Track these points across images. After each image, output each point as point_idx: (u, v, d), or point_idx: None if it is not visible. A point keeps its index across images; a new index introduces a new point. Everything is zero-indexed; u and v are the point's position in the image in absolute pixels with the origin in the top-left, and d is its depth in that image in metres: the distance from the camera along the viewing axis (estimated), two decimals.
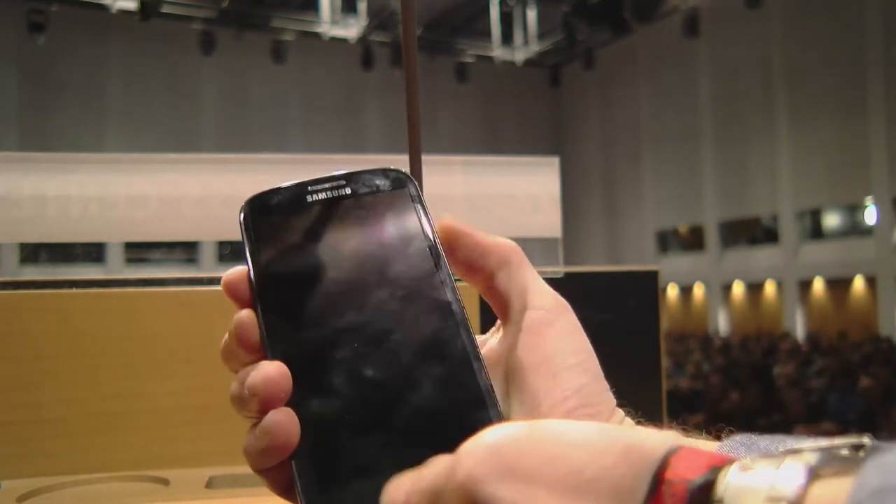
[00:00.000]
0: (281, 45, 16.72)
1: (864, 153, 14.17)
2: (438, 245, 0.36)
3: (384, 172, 0.37)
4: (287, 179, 0.36)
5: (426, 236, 0.36)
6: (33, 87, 15.03)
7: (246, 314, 0.33)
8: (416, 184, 0.37)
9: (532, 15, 16.87)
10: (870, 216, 14.48)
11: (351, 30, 16.47)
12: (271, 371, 0.31)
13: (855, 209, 14.97)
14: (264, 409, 0.31)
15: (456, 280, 0.36)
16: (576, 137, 20.77)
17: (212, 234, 0.96)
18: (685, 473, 0.24)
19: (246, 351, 0.33)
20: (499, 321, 0.38)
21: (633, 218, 19.22)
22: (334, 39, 16.74)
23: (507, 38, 17.74)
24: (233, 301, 0.34)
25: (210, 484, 0.67)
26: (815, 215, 15.59)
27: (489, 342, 0.38)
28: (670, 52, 17.59)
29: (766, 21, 15.57)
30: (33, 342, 0.71)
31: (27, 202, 0.87)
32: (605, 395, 0.34)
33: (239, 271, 0.34)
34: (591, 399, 0.33)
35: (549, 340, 0.34)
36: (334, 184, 0.36)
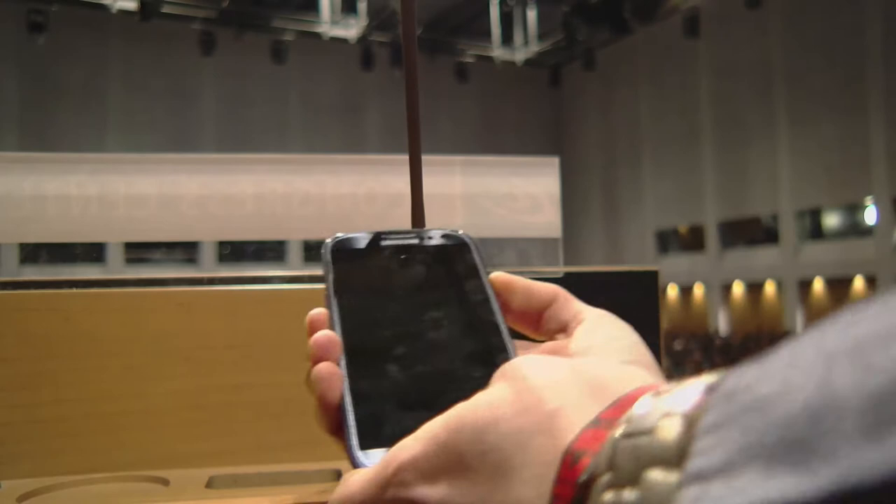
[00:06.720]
0: (281, 45, 16.73)
1: (864, 153, 14.18)
2: (493, 295, 0.40)
3: (448, 234, 0.44)
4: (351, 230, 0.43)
5: (482, 285, 0.41)
6: (33, 87, 15.04)
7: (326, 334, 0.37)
8: (476, 244, 0.43)
9: (532, 15, 16.87)
10: (870, 216, 14.48)
11: (351, 30, 16.47)
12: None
13: (855, 209, 14.97)
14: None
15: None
16: (576, 137, 20.77)
17: (212, 234, 0.96)
18: (582, 460, 0.23)
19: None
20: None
21: (633, 218, 19.22)
22: (334, 39, 16.74)
23: (507, 38, 17.74)
24: (309, 330, 0.38)
25: (210, 484, 0.67)
26: (815, 215, 15.59)
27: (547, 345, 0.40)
28: (670, 52, 17.59)
29: (766, 21, 15.57)
30: (33, 342, 0.71)
31: (27, 202, 0.87)
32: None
33: (321, 312, 0.39)
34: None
35: (600, 332, 0.37)
36: (405, 234, 0.43)
